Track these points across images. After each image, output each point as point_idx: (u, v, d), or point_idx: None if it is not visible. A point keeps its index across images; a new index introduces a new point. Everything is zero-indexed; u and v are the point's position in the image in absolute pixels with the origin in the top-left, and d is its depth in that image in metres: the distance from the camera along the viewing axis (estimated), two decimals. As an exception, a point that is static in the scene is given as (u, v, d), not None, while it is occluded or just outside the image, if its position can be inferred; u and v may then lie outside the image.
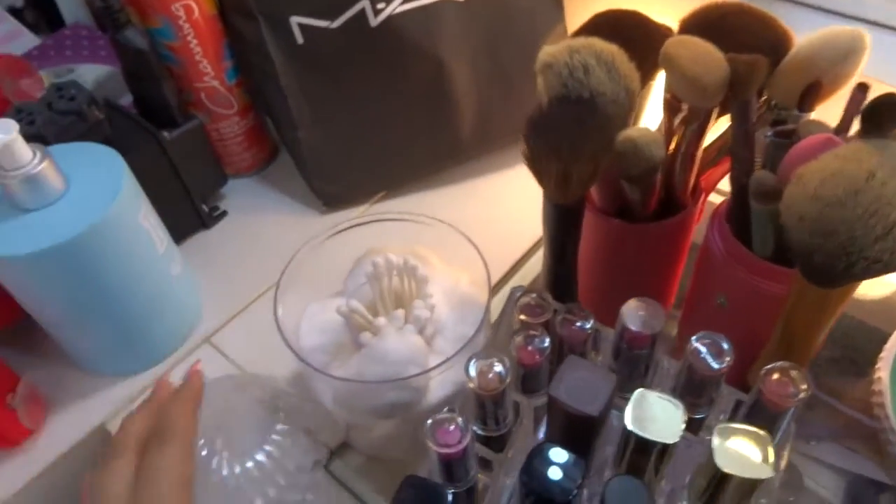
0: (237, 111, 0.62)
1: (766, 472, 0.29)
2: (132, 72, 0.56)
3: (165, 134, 0.55)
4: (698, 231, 0.47)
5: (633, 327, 0.35)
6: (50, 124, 0.49)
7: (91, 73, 0.71)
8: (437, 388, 0.41)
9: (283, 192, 0.67)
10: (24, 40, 0.76)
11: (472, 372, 0.34)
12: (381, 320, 0.40)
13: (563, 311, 0.38)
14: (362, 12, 0.54)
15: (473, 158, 0.65)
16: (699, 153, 0.40)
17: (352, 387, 0.40)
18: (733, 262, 0.40)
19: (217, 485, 0.40)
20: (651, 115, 0.45)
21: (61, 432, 0.48)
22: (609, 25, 0.41)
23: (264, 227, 0.63)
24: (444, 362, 0.39)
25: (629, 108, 0.37)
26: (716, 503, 0.31)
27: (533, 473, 0.31)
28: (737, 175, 0.38)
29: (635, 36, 0.40)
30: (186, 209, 0.60)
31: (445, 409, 0.32)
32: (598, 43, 0.37)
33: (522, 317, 0.39)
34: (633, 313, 0.36)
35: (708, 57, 0.35)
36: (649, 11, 0.42)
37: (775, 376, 0.34)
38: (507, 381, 0.34)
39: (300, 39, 0.55)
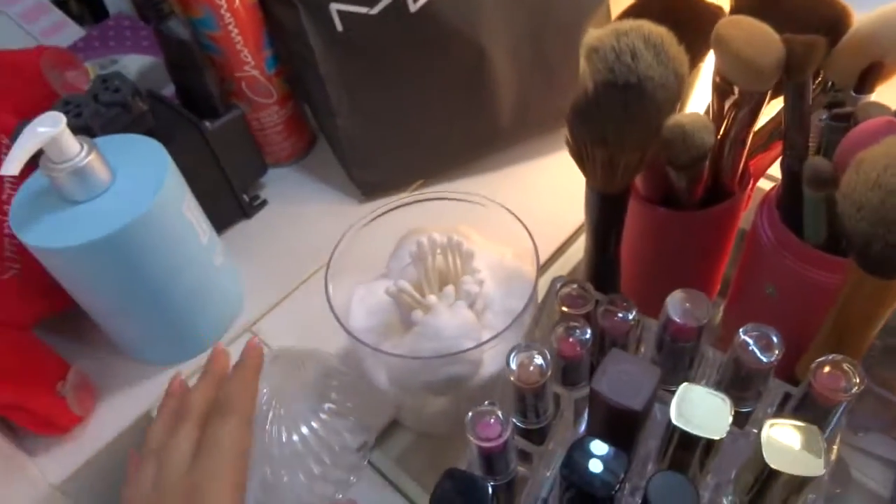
0: (276, 100, 0.63)
1: (816, 470, 0.28)
2: (175, 62, 0.57)
3: (207, 124, 0.56)
4: (745, 217, 0.45)
5: (677, 319, 0.34)
6: (96, 116, 0.50)
7: (134, 64, 0.72)
8: (490, 362, 0.41)
9: (321, 180, 0.67)
10: (70, 31, 0.77)
11: (513, 364, 0.34)
12: (432, 298, 0.41)
13: (605, 302, 0.37)
14: (402, -3, 0.54)
15: (512, 145, 0.65)
16: (749, 138, 0.39)
17: (407, 364, 0.41)
18: (783, 251, 0.38)
19: (262, 456, 0.41)
20: (698, 99, 0.43)
21: (109, 419, 0.50)
22: (657, 6, 0.39)
23: (304, 215, 0.64)
24: (497, 335, 0.39)
25: (678, 92, 0.36)
26: (763, 499, 0.31)
27: (574, 467, 0.30)
28: (789, 161, 0.36)
29: (684, 17, 0.38)
30: (227, 199, 0.61)
31: (486, 403, 0.32)
32: (646, 25, 0.35)
33: (564, 308, 0.38)
34: (677, 305, 0.35)
35: (762, 38, 0.34)
36: (698, -10, 0.40)
37: (826, 370, 0.32)
38: (548, 374, 0.34)
39: (339, 27, 0.55)
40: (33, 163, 0.41)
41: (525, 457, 0.37)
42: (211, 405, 0.38)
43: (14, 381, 0.47)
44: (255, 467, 0.41)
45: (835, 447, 0.35)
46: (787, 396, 0.37)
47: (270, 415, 0.42)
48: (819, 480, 0.33)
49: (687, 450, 0.31)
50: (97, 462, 0.48)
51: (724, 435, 0.30)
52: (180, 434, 0.37)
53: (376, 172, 0.63)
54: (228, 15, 0.56)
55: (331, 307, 0.41)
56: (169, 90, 0.64)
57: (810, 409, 0.33)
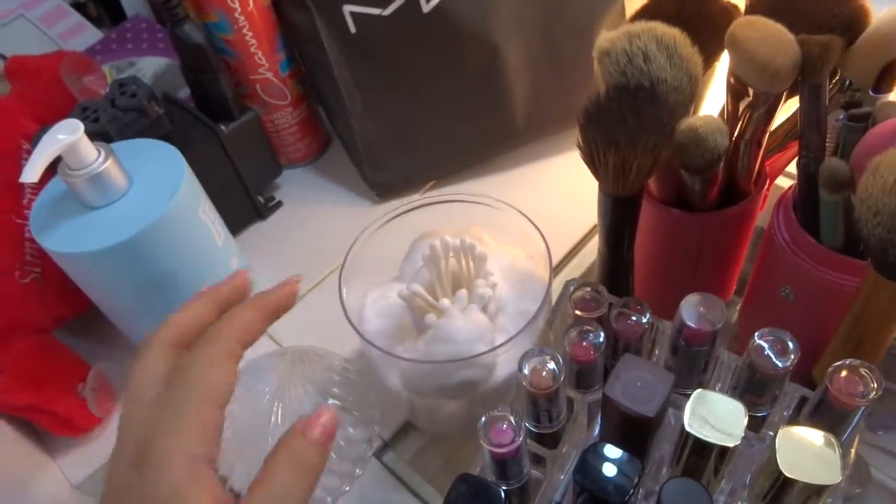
0: (290, 102, 0.63)
1: (833, 478, 0.28)
2: (190, 66, 0.58)
3: (223, 127, 0.56)
4: (761, 216, 0.45)
5: (692, 324, 0.34)
6: (113, 121, 0.51)
7: (150, 67, 0.73)
8: (503, 365, 0.41)
9: (336, 181, 0.67)
10: (88, 34, 0.78)
11: (526, 370, 0.34)
12: (445, 302, 0.41)
13: (618, 305, 0.37)
14: (414, -2, 0.54)
15: (525, 144, 0.64)
16: (765, 140, 0.38)
17: (420, 367, 0.41)
18: (799, 253, 0.38)
19: (265, 450, 0.41)
20: (712, 100, 0.43)
21: (130, 419, 0.50)
22: (671, 6, 0.39)
23: (318, 216, 0.64)
24: (511, 339, 0.39)
25: (692, 95, 0.35)
26: (779, 506, 0.30)
27: (588, 472, 0.30)
28: (805, 162, 0.36)
29: (698, 17, 0.38)
30: (242, 201, 0.61)
31: (499, 408, 0.32)
32: (658, 27, 0.35)
33: (577, 311, 0.38)
34: (692, 309, 0.34)
35: (778, 38, 0.33)
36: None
37: (844, 374, 0.32)
38: (561, 379, 0.33)
39: (353, 28, 0.55)
40: (53, 168, 0.42)
41: (538, 460, 0.37)
42: (202, 330, 0.31)
43: (35, 383, 0.48)
44: (259, 464, 0.41)
45: (852, 451, 0.35)
46: (802, 400, 0.36)
47: (274, 411, 0.42)
48: (836, 486, 0.33)
49: (701, 456, 0.31)
50: (117, 462, 0.49)
51: (739, 442, 0.29)
52: (149, 358, 0.29)
53: (390, 173, 0.63)
54: (242, 18, 0.56)
55: (344, 311, 0.41)
56: (185, 92, 0.65)
57: (827, 414, 0.33)
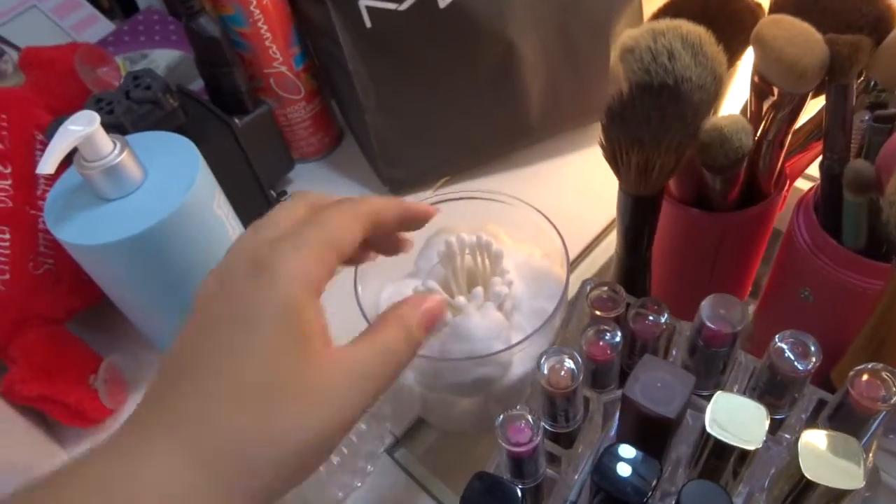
0: (304, 96, 0.63)
1: (856, 483, 0.28)
2: (205, 59, 0.57)
3: (237, 121, 0.56)
4: (780, 217, 0.44)
5: (711, 325, 0.34)
6: (128, 113, 0.51)
7: (163, 59, 0.73)
8: (518, 363, 0.41)
9: (348, 176, 0.67)
10: (100, 26, 0.78)
11: (544, 369, 0.34)
12: (461, 299, 0.40)
13: (636, 305, 0.37)
14: (431, -7, 0.54)
15: (539, 141, 0.64)
16: (788, 140, 0.38)
17: (436, 365, 0.40)
18: (820, 255, 0.38)
19: None
20: (732, 98, 0.42)
21: (141, 411, 0.50)
22: (695, 4, 0.38)
23: (331, 211, 0.64)
24: (527, 337, 0.38)
25: (716, 94, 0.35)
26: (798, 510, 0.30)
27: (605, 473, 0.30)
28: (829, 164, 0.35)
29: (722, 15, 0.37)
30: (254, 194, 0.61)
31: (517, 407, 0.32)
32: (684, 25, 0.35)
33: (595, 311, 0.38)
34: (711, 310, 0.34)
35: (805, 38, 0.33)
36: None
37: (865, 378, 0.32)
38: (580, 379, 0.33)
39: (368, 23, 0.55)
40: (67, 160, 0.42)
41: (553, 459, 0.36)
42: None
43: (47, 374, 0.48)
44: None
45: (871, 456, 0.34)
46: (821, 403, 0.36)
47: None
48: (858, 492, 0.33)
49: (720, 458, 0.31)
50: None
51: (760, 445, 0.29)
52: (291, 203, 0.31)
53: (403, 169, 0.63)
54: (258, 11, 0.56)
55: (359, 306, 0.41)
56: (197, 84, 0.64)
57: (846, 418, 0.33)
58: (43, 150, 0.44)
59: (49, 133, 0.51)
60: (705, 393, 0.35)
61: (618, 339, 0.36)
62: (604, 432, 0.39)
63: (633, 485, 0.30)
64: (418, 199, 0.46)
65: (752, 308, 0.50)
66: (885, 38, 0.35)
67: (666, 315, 0.36)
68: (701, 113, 0.33)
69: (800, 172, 0.43)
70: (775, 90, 0.35)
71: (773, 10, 0.37)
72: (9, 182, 0.49)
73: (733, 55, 0.37)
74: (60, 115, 0.51)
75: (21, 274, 0.48)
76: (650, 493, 0.29)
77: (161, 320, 0.50)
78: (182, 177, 0.45)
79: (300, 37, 0.60)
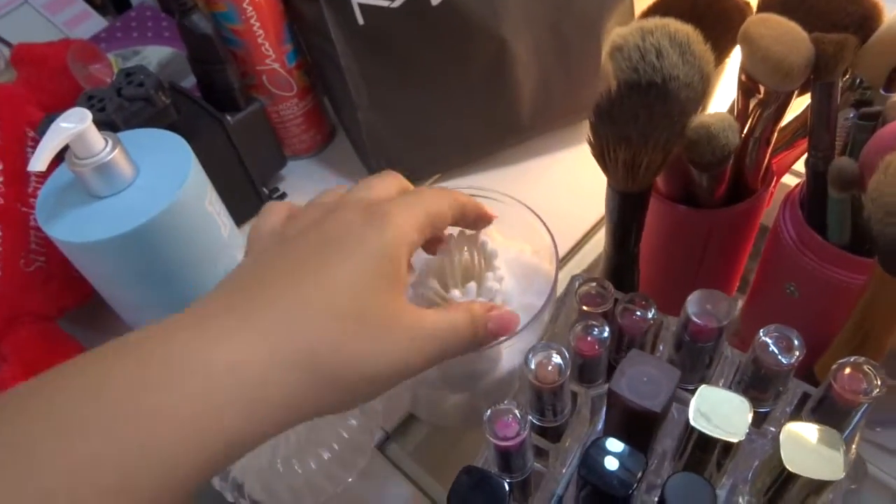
0: (296, 93, 0.63)
1: (836, 474, 0.28)
2: (197, 56, 0.57)
3: (229, 118, 0.56)
4: (767, 214, 0.45)
5: (697, 320, 0.34)
6: (119, 110, 0.51)
7: (155, 56, 0.73)
8: (507, 358, 0.41)
9: (340, 173, 0.67)
10: (93, 22, 0.78)
11: (532, 364, 0.34)
12: (456, 293, 0.41)
13: (623, 301, 0.37)
14: (423, -9, 0.54)
15: (531, 139, 0.64)
16: (774, 137, 0.38)
17: None
18: (805, 251, 0.38)
19: (271, 448, 0.42)
20: (720, 96, 0.43)
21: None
22: (684, 2, 0.39)
23: (323, 208, 0.64)
24: (517, 332, 0.38)
25: (703, 92, 0.35)
26: (781, 501, 0.31)
27: (592, 466, 0.30)
28: (814, 161, 0.36)
29: (710, 13, 0.38)
30: (247, 192, 0.61)
31: (505, 401, 0.32)
32: (672, 23, 0.35)
33: (583, 306, 0.38)
34: (697, 305, 0.35)
35: (791, 36, 0.33)
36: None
37: (847, 371, 0.32)
38: (567, 373, 0.34)
39: (361, 20, 0.55)
40: (59, 157, 0.42)
41: (541, 453, 0.37)
42: None
43: (38, 372, 0.48)
44: (263, 455, 0.42)
45: (853, 448, 0.35)
46: (805, 396, 0.36)
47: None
48: (838, 483, 0.33)
49: (704, 451, 0.31)
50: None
51: (743, 437, 0.30)
52: (378, 177, 0.33)
53: (395, 166, 0.63)
54: (250, 9, 0.56)
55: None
56: (190, 81, 0.65)
57: (829, 411, 0.33)
58: (34, 148, 0.44)
59: (41, 130, 0.51)
60: (691, 387, 0.35)
61: (605, 334, 0.36)
62: (591, 426, 0.39)
63: (619, 478, 0.30)
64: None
65: (741, 303, 0.51)
66: (870, 37, 0.36)
67: (653, 310, 0.37)
68: (688, 111, 0.34)
69: (786, 169, 0.44)
70: (762, 88, 0.35)
71: (760, 8, 0.38)
72: (0, 179, 0.50)
73: (721, 53, 0.38)
74: (52, 112, 0.51)
75: (12, 271, 0.48)
76: (636, 486, 0.30)
77: (153, 317, 0.50)
78: (174, 174, 0.45)
79: (293, 34, 0.61)
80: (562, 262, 0.57)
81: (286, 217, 0.32)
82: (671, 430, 0.36)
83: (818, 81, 0.33)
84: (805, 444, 0.29)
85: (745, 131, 0.38)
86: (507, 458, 0.34)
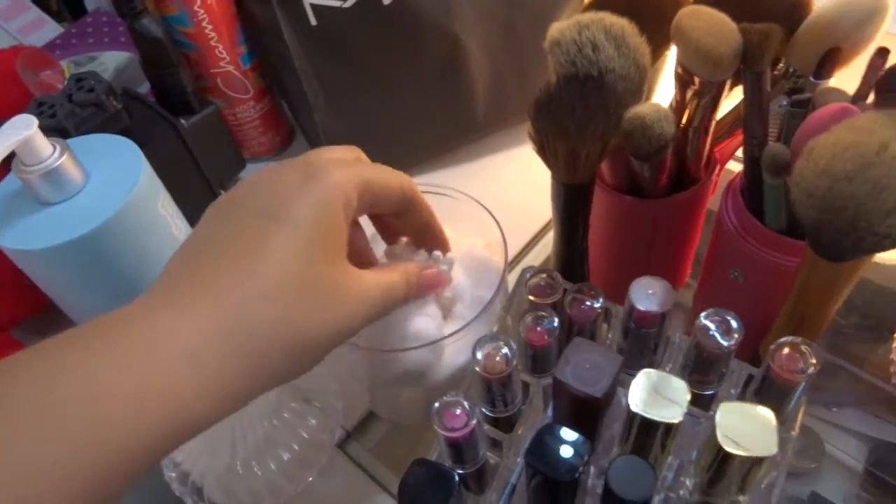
0: (253, 95, 0.63)
1: (769, 450, 0.29)
2: (149, 60, 0.57)
3: (183, 121, 0.56)
4: (715, 202, 0.46)
5: (640, 306, 0.35)
6: (70, 116, 0.51)
7: (112, 60, 0.72)
8: (460, 351, 0.42)
9: (301, 173, 0.67)
10: (48, 29, 0.77)
11: (479, 355, 0.34)
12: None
13: (572, 291, 0.38)
14: (374, -10, 0.54)
15: (488, 135, 0.65)
16: (712, 126, 0.39)
17: (369, 355, 0.41)
18: (746, 236, 0.39)
19: (230, 449, 0.42)
20: (666, 89, 0.44)
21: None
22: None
23: (283, 209, 0.64)
24: (466, 325, 0.39)
25: (640, 83, 0.36)
26: (721, 479, 0.31)
27: (538, 454, 0.31)
28: (750, 148, 0.37)
29: (647, 7, 0.39)
30: (203, 194, 0.61)
31: (451, 393, 0.33)
32: (607, 17, 0.36)
33: (532, 297, 0.39)
34: (640, 292, 0.35)
35: (720, 27, 0.34)
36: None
37: (785, 351, 0.33)
38: (514, 363, 0.34)
39: (313, 20, 0.55)
40: (7, 165, 0.42)
41: (496, 444, 0.37)
42: None
43: (-5, 382, 0.47)
44: (222, 458, 0.42)
45: (796, 425, 0.36)
46: (750, 378, 0.37)
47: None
48: (775, 459, 0.34)
49: (647, 434, 0.32)
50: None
51: (681, 419, 0.30)
52: (338, 147, 0.35)
53: (354, 165, 0.63)
54: (202, 11, 0.56)
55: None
56: (147, 86, 0.64)
57: (771, 391, 0.34)
58: (-19, 156, 0.43)
59: (-10, 138, 0.50)
60: (638, 373, 0.36)
61: (555, 324, 0.37)
62: (544, 415, 0.40)
63: (565, 463, 0.31)
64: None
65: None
66: (799, 26, 0.37)
67: (601, 300, 0.37)
68: (624, 102, 0.34)
69: (729, 157, 0.45)
70: (696, 79, 0.36)
71: (696, 0, 0.38)
72: (-51, 188, 0.49)
73: (659, 46, 0.38)
74: (1, 120, 0.50)
75: (-36, 281, 0.48)
76: (581, 471, 0.30)
77: (110, 323, 0.50)
78: (124, 178, 0.45)
79: (247, 36, 0.60)
80: (519, 256, 0.57)
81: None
82: (619, 414, 0.37)
83: (748, 71, 0.34)
84: (740, 424, 0.30)
85: (684, 121, 0.38)
86: (458, 450, 0.34)
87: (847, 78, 0.37)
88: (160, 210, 0.47)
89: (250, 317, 0.26)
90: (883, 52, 0.33)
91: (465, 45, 0.57)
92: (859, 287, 0.52)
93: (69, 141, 0.45)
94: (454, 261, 0.44)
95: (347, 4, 0.54)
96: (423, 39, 0.57)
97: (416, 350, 0.39)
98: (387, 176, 0.34)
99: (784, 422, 0.35)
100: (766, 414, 0.30)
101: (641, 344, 0.37)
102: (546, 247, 0.58)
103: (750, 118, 0.36)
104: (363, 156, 0.36)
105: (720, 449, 0.29)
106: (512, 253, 0.57)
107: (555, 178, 0.38)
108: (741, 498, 0.33)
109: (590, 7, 0.39)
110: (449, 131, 0.63)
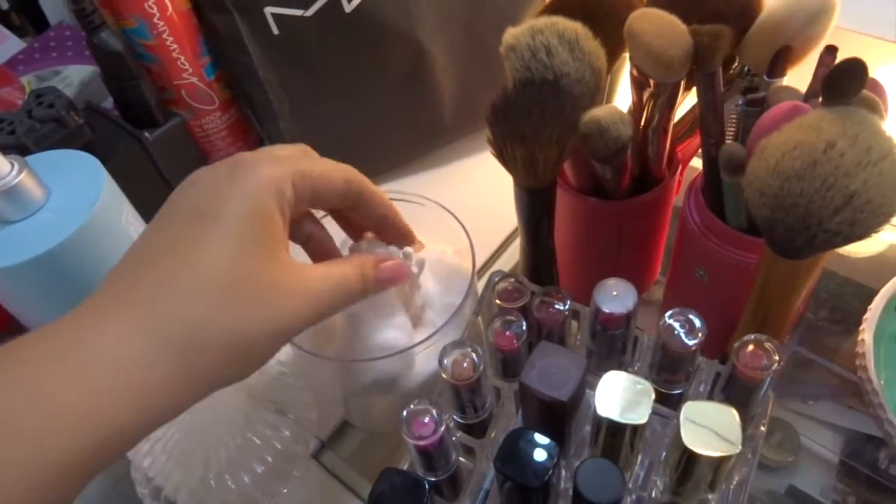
0: (219, 106, 0.63)
1: (733, 449, 0.29)
2: (110, 74, 0.56)
3: (147, 134, 0.55)
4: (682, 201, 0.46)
5: (605, 309, 0.35)
6: (30, 133, 0.50)
7: (77, 75, 0.71)
8: (431, 359, 0.42)
9: (271, 183, 0.67)
10: (10, 45, 0.76)
11: (447, 362, 0.34)
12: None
13: (539, 294, 0.38)
14: (335, -2, 0.54)
15: (455, 140, 0.65)
16: (671, 127, 0.40)
17: (340, 366, 0.41)
18: (708, 235, 0.39)
19: (204, 461, 0.42)
20: (627, 90, 0.44)
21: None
22: (576, 1, 0.40)
23: (254, 219, 0.64)
24: (436, 332, 0.39)
25: (595, 86, 0.36)
26: (689, 478, 0.32)
27: (507, 459, 0.31)
28: (707, 147, 0.37)
29: (601, 10, 0.39)
30: (174, 207, 0.61)
31: (416, 402, 0.33)
32: (560, 22, 0.36)
33: (499, 302, 0.39)
34: (605, 294, 0.36)
35: (671, 30, 0.34)
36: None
37: (749, 349, 0.34)
38: (481, 369, 0.34)
39: (276, 30, 0.55)
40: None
41: (469, 450, 0.37)
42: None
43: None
44: (195, 472, 0.41)
45: (764, 421, 0.36)
46: (718, 376, 0.38)
47: (208, 418, 0.42)
48: (745, 456, 0.34)
49: (615, 436, 0.32)
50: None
51: (646, 420, 0.31)
52: (283, 145, 0.34)
53: (323, 173, 0.63)
54: (162, 24, 0.55)
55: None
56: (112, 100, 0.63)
57: (737, 388, 0.34)
58: (-62, 176, 0.42)
59: (-53, 158, 0.50)
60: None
61: (523, 328, 0.37)
62: (516, 420, 0.40)
63: (534, 468, 0.31)
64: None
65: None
66: (751, 25, 0.37)
67: (568, 302, 0.38)
68: (580, 106, 0.35)
69: (691, 157, 0.45)
70: (651, 80, 0.36)
71: (649, 2, 0.39)
72: None
73: (616, 48, 0.39)
74: (-41, 139, 0.49)
75: (-75, 304, 0.47)
76: (550, 474, 0.31)
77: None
78: (86, 194, 0.44)
79: (210, 47, 0.60)
80: (489, 261, 0.57)
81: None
82: (589, 416, 0.37)
83: (700, 72, 0.34)
84: (704, 423, 0.30)
85: (642, 123, 0.39)
86: (428, 457, 0.34)
87: (801, 76, 0.38)
88: (124, 224, 0.47)
89: (177, 318, 0.25)
90: (831, 50, 0.34)
91: (429, 50, 0.57)
92: (825, 280, 0.53)
93: (29, 158, 0.44)
94: (424, 261, 0.44)
95: (309, 13, 0.54)
96: (386, 46, 0.57)
97: (386, 359, 0.39)
98: (328, 168, 0.32)
99: (752, 418, 0.36)
100: (730, 412, 0.30)
101: (609, 345, 0.37)
102: (517, 250, 0.58)
103: (705, 118, 0.36)
104: (312, 153, 0.35)
105: (685, 448, 0.29)
106: (483, 257, 0.57)
107: (516, 183, 0.38)
108: (710, 496, 0.33)
109: (544, 12, 0.39)
110: (417, 137, 0.63)
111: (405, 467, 0.36)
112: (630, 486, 0.35)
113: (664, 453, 0.35)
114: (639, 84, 0.37)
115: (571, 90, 0.34)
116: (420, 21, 0.56)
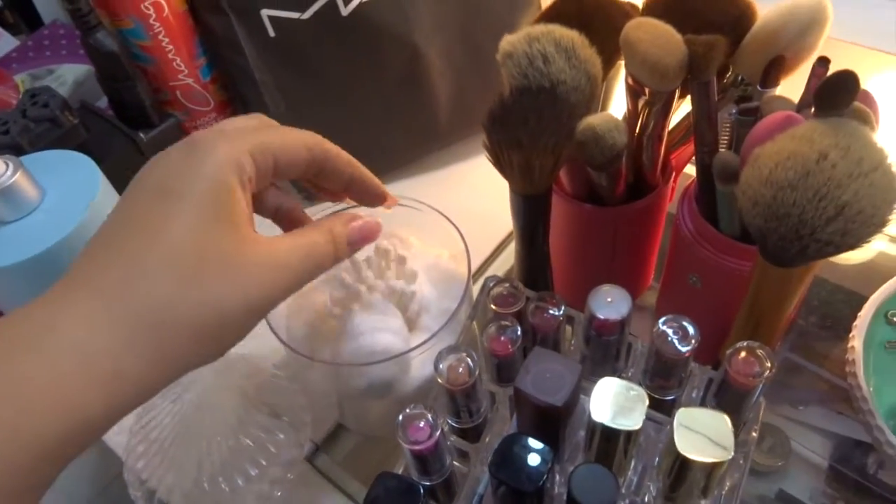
0: (214, 107, 0.63)
1: (725, 455, 0.30)
2: (106, 74, 0.56)
3: (142, 135, 0.55)
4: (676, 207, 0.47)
5: (600, 315, 0.35)
6: (24, 132, 0.50)
7: (71, 74, 0.71)
8: (426, 364, 0.42)
9: (265, 185, 0.67)
10: (3, 42, 0.76)
11: (442, 367, 0.35)
12: (355, 307, 0.41)
13: (534, 300, 0.38)
14: (332, 1, 0.54)
15: (451, 144, 0.65)
16: (665, 134, 0.40)
17: (334, 369, 0.41)
18: (702, 242, 0.40)
19: (198, 465, 0.42)
20: (621, 99, 0.44)
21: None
22: (572, 9, 0.40)
23: (248, 221, 0.64)
24: (432, 336, 0.39)
25: (591, 94, 0.37)
26: (682, 483, 0.32)
27: (501, 464, 0.31)
28: (701, 155, 0.38)
29: (597, 18, 0.39)
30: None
31: (412, 406, 0.33)
32: (557, 30, 0.36)
33: (494, 307, 0.39)
34: (599, 300, 0.36)
35: (666, 39, 0.35)
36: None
37: (741, 355, 0.34)
38: (477, 374, 0.34)
39: (272, 32, 0.55)
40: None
41: (463, 454, 0.37)
42: None
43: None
44: (188, 474, 0.41)
45: (756, 426, 0.37)
46: (711, 382, 0.38)
47: (202, 420, 0.42)
48: (737, 462, 0.35)
49: (609, 441, 0.32)
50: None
51: (640, 426, 0.31)
52: (241, 116, 0.33)
53: (318, 176, 0.63)
54: (158, 24, 0.55)
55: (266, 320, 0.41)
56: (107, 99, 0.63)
57: (729, 394, 0.35)
58: (-69, 176, 0.42)
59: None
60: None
61: (518, 333, 0.37)
62: (511, 424, 0.40)
63: (528, 473, 0.31)
64: (330, 205, 0.47)
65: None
66: (745, 35, 0.38)
67: (563, 307, 0.38)
68: (576, 113, 0.35)
69: (685, 164, 0.46)
70: (646, 89, 0.37)
71: (644, 12, 0.39)
72: None
73: (611, 57, 0.39)
74: (-47, 139, 0.49)
75: (-83, 304, 0.47)
76: (544, 479, 0.31)
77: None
78: (81, 194, 0.44)
79: (206, 48, 0.60)
80: (484, 265, 0.58)
81: None
82: (584, 422, 0.37)
83: (694, 81, 0.35)
84: (697, 429, 0.30)
85: (637, 130, 0.39)
86: (423, 462, 0.34)
87: (794, 86, 0.38)
88: (119, 227, 0.46)
89: (145, 295, 0.25)
90: (824, 62, 0.34)
91: (425, 53, 0.58)
92: (816, 287, 0.54)
93: (23, 158, 0.44)
94: (417, 272, 0.44)
95: (306, 16, 0.54)
96: (382, 49, 0.57)
97: (381, 363, 0.39)
98: (288, 137, 0.31)
99: (744, 423, 0.36)
100: (722, 418, 0.30)
101: (604, 351, 0.37)
102: (511, 254, 0.58)
103: (699, 126, 0.37)
104: (271, 122, 0.33)
105: (679, 454, 0.30)
106: (478, 261, 0.57)
107: (512, 189, 0.38)
108: (702, 501, 0.34)
109: (541, 19, 0.40)
110: (412, 140, 0.63)
111: (400, 471, 0.36)
112: (623, 491, 0.35)
113: (657, 459, 0.35)
114: (634, 92, 0.38)
115: (568, 98, 0.35)
116: (416, 25, 0.56)
